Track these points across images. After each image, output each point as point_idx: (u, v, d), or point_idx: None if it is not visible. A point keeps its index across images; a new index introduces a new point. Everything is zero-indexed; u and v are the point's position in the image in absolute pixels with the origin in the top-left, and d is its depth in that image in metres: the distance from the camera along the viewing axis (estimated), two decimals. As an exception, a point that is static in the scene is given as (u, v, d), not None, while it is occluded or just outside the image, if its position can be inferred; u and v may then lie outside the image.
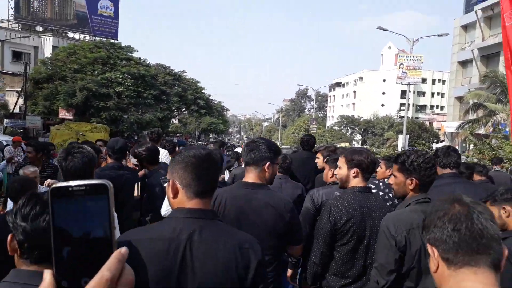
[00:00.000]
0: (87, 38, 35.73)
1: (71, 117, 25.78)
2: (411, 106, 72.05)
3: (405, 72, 20.20)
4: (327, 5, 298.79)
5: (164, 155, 5.23)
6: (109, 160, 4.11)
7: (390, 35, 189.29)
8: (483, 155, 16.29)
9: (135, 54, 31.95)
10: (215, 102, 38.67)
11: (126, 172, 4.05)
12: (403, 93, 73.19)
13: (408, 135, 22.43)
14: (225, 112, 42.57)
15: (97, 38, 33.74)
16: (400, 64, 20.38)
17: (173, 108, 34.44)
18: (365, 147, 45.98)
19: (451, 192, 1.44)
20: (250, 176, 2.51)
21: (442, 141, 41.08)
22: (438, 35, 24.97)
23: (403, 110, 70.74)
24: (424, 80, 60.83)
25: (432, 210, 1.23)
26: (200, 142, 44.91)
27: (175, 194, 1.58)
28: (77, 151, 2.77)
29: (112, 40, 33.03)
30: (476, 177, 5.07)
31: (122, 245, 0.73)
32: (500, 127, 21.25)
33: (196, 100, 34.15)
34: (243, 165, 2.82)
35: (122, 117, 27.29)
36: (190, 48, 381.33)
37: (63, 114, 26.12)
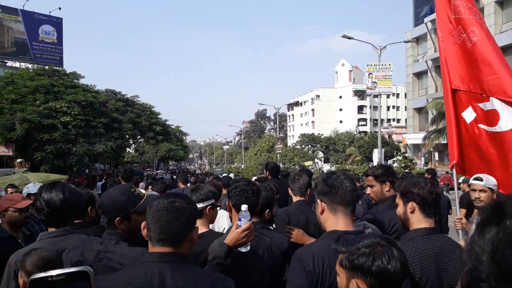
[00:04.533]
0: (29, 66, 33.20)
1: (11, 153, 23.22)
2: (368, 120, 73.26)
3: (375, 82, 19.34)
4: (275, 29, 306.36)
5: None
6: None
7: (342, 54, 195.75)
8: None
9: (82, 81, 29.88)
10: (173, 127, 36.92)
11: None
12: (360, 109, 74.50)
13: (383, 149, 21.58)
14: (184, 137, 40.79)
15: (39, 66, 31.33)
16: (369, 74, 19.51)
17: (127, 136, 32.35)
18: (329, 164, 45.53)
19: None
20: (342, 223, 1.99)
21: (404, 153, 41.25)
22: (405, 42, 25.00)
23: (362, 125, 71.99)
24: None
25: None
26: (159, 171, 42.71)
27: (146, 238, 1.63)
28: None
29: (56, 67, 30.74)
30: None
31: None
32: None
33: (151, 126, 32.25)
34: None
35: (70, 149, 24.90)
36: (141, 73, 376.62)
37: (1, 150, 23.42)
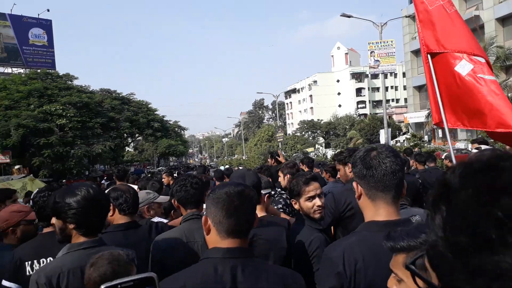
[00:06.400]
0: (21, 71, 32.63)
1: (8, 160, 22.81)
2: (367, 102, 72.71)
3: (378, 60, 18.75)
4: (267, 18, 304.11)
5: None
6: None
7: (336, 37, 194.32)
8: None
9: (75, 82, 29.38)
10: (171, 122, 36.45)
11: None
12: (358, 91, 73.85)
13: (390, 129, 21.11)
14: (183, 132, 40.31)
15: (31, 70, 30.78)
16: (371, 52, 18.89)
17: (125, 135, 31.90)
18: (331, 149, 45.16)
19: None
20: (383, 212, 1.61)
21: (405, 132, 40.85)
22: (406, 16, 24.63)
23: (361, 107, 71.40)
24: (376, 76, 61.28)
25: None
26: (160, 168, 42.33)
27: (208, 231, 1.51)
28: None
29: (48, 70, 30.22)
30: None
31: None
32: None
33: (149, 123, 31.79)
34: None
35: (68, 152, 24.48)
36: (135, 70, 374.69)
37: (-2, 158, 23.04)
